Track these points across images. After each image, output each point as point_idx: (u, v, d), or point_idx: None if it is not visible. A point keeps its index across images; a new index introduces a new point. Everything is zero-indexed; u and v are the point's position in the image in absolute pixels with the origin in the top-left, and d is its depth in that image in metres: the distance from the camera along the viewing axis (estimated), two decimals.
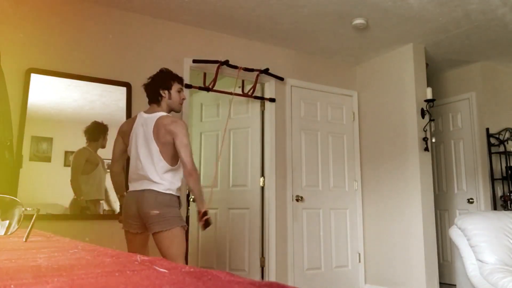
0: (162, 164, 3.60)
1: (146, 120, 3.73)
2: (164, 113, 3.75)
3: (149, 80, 3.90)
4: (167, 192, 3.58)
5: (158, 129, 3.63)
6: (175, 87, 3.87)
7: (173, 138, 3.62)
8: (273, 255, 5.72)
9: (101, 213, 4.83)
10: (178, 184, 3.66)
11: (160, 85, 3.82)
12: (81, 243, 1.10)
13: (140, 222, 3.62)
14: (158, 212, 3.51)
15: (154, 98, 3.83)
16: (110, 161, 4.07)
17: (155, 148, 3.61)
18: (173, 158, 3.66)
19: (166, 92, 3.82)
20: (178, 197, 3.68)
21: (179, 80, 3.93)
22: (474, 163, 6.74)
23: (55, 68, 4.72)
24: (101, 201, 4.87)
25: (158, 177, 3.58)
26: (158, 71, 3.94)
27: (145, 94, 4.64)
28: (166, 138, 3.62)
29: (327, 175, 6.39)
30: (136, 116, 3.85)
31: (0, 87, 3.87)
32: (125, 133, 3.86)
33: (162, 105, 3.81)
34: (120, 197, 3.95)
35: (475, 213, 4.19)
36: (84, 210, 4.74)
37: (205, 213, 3.61)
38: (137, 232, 3.68)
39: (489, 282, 3.47)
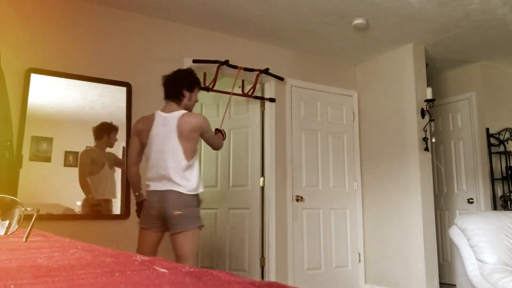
0: (184, 162, 3.67)
1: (167, 119, 3.76)
2: (183, 111, 3.79)
3: (171, 76, 3.94)
4: (189, 193, 3.65)
5: (182, 128, 3.70)
6: (196, 90, 3.95)
7: (201, 134, 3.79)
8: (273, 255, 5.72)
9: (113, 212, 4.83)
10: (197, 181, 3.73)
11: (185, 85, 3.87)
12: (81, 243, 1.10)
13: (162, 222, 3.69)
14: (181, 212, 3.59)
15: (174, 96, 3.87)
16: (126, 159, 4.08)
17: (178, 147, 3.68)
18: (192, 154, 3.76)
19: (188, 93, 3.87)
20: (197, 195, 3.75)
21: (200, 84, 4.03)
22: (474, 163, 6.74)
23: (55, 68, 4.72)
24: (113, 200, 4.87)
25: (180, 176, 3.65)
26: (184, 69, 4.01)
27: (145, 94, 4.67)
28: (192, 135, 3.74)
29: (327, 175, 6.39)
30: (152, 115, 3.86)
31: (0, 87, 3.87)
32: (141, 132, 3.86)
33: (181, 104, 3.85)
34: (139, 195, 3.95)
35: (475, 213, 4.19)
36: (96, 208, 4.75)
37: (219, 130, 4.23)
38: (156, 231, 3.75)
39: (489, 282, 3.46)
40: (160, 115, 3.80)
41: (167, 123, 3.73)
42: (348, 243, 6.33)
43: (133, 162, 3.95)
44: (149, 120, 3.84)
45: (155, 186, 3.71)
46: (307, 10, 5.18)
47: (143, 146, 3.87)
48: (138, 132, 3.89)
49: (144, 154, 3.89)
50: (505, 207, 6.53)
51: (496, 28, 5.56)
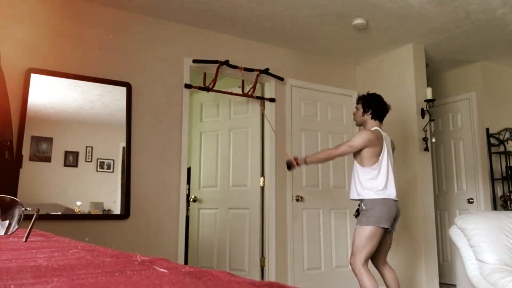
0: None
1: (386, 138, 4.52)
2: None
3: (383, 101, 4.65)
4: None
5: (392, 149, 4.64)
6: None
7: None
8: (273, 255, 5.71)
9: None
10: None
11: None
12: (81, 243, 1.10)
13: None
14: None
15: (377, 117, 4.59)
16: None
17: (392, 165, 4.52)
18: None
19: None
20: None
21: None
22: (474, 163, 6.73)
23: (55, 68, 4.72)
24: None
25: None
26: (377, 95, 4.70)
27: (145, 94, 4.73)
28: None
29: (327, 175, 6.39)
30: (378, 131, 4.47)
31: (0, 87, 3.87)
32: (374, 145, 4.39)
33: None
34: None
35: (475, 213, 4.19)
36: None
37: (296, 158, 4.66)
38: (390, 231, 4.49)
39: (489, 282, 3.46)
40: (382, 133, 4.51)
41: (388, 142, 4.53)
42: (348, 243, 6.31)
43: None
44: (379, 134, 4.45)
45: (393, 195, 4.40)
46: (307, 10, 5.19)
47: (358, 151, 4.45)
48: (372, 142, 4.38)
49: (375, 168, 4.41)
50: (505, 207, 6.52)
51: (496, 28, 5.56)
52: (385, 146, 4.43)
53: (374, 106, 4.56)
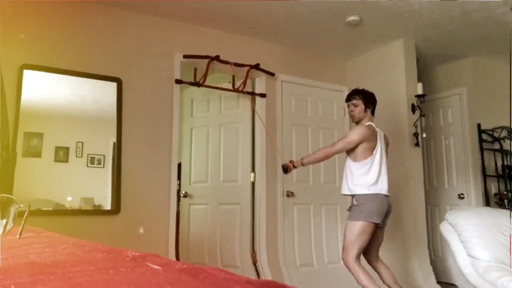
0: None
1: (380, 134, 4.52)
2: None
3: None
4: None
5: (386, 144, 4.62)
6: None
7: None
8: (264, 251, 5.71)
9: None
10: None
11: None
12: (71, 238, 1.10)
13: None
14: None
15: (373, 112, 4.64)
16: None
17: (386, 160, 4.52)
18: None
19: None
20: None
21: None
22: (465, 159, 6.72)
23: (47, 64, 4.70)
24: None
25: None
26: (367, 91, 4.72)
27: (135, 90, 4.71)
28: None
29: (318, 170, 6.38)
30: (371, 126, 4.48)
31: None
32: (369, 138, 4.40)
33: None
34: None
35: (466, 208, 4.19)
36: None
37: (292, 161, 4.73)
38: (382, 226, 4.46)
39: (486, 281, 3.45)
40: (376, 129, 4.50)
41: (382, 138, 4.52)
42: (339, 240, 6.31)
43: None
44: (373, 130, 4.46)
45: (385, 190, 4.38)
46: (300, 7, 5.17)
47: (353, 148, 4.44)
48: (368, 138, 4.39)
49: (368, 163, 4.40)
50: (500, 205, 6.46)
51: (490, 25, 5.55)
52: (379, 141, 4.43)
53: (375, 101, 4.60)
